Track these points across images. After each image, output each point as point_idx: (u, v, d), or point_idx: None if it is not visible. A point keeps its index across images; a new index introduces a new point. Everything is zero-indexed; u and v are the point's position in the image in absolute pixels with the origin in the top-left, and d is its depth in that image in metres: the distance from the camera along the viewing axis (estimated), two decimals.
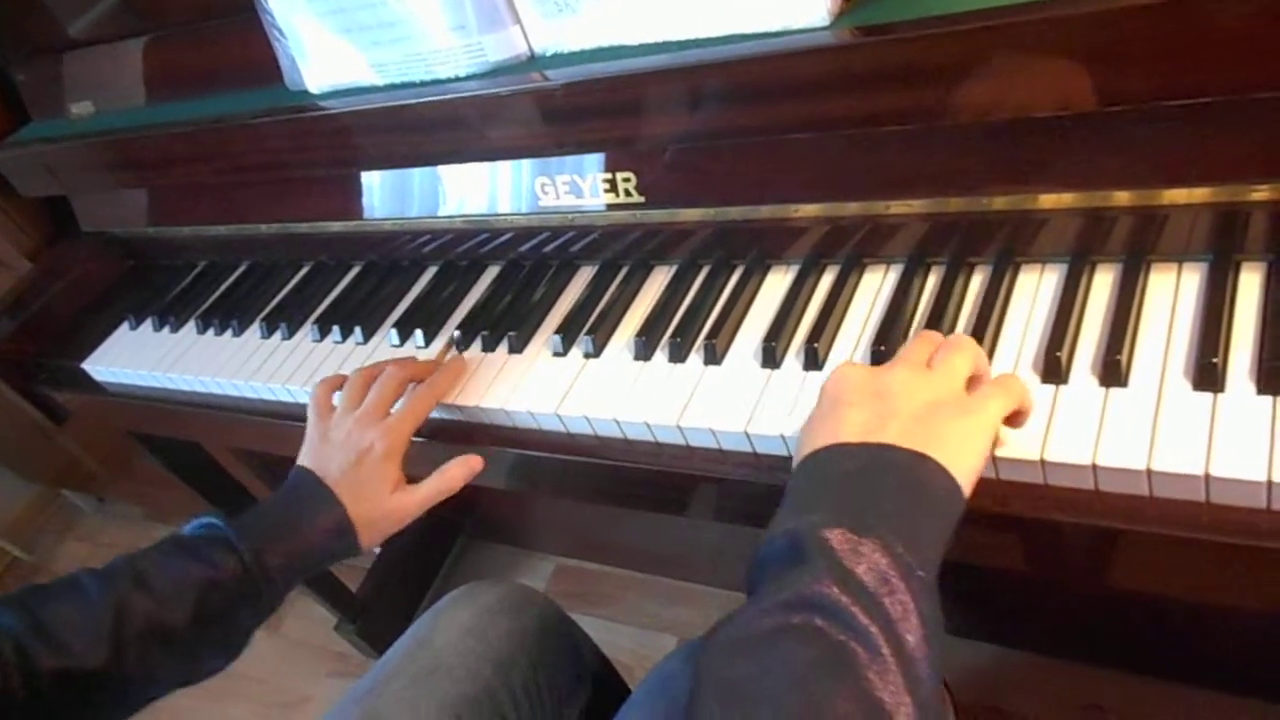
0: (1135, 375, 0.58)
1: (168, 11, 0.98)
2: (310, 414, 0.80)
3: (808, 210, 0.75)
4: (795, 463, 0.53)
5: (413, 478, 0.78)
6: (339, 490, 0.74)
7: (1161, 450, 0.53)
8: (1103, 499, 0.56)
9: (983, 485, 0.59)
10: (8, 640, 0.60)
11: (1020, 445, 0.57)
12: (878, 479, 0.48)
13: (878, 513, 0.46)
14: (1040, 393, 0.60)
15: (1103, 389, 0.58)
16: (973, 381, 0.56)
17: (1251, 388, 0.54)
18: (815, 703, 0.40)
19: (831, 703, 0.40)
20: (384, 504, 0.75)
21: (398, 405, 0.78)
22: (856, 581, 0.43)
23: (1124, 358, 0.58)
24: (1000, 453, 0.57)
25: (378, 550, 1.74)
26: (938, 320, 0.67)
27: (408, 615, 1.67)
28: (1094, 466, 0.55)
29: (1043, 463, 0.56)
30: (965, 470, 0.50)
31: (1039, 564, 0.67)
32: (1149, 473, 0.53)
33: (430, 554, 1.75)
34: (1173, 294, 0.62)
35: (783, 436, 0.65)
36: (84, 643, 0.62)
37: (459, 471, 0.78)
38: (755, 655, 0.43)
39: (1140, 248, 0.64)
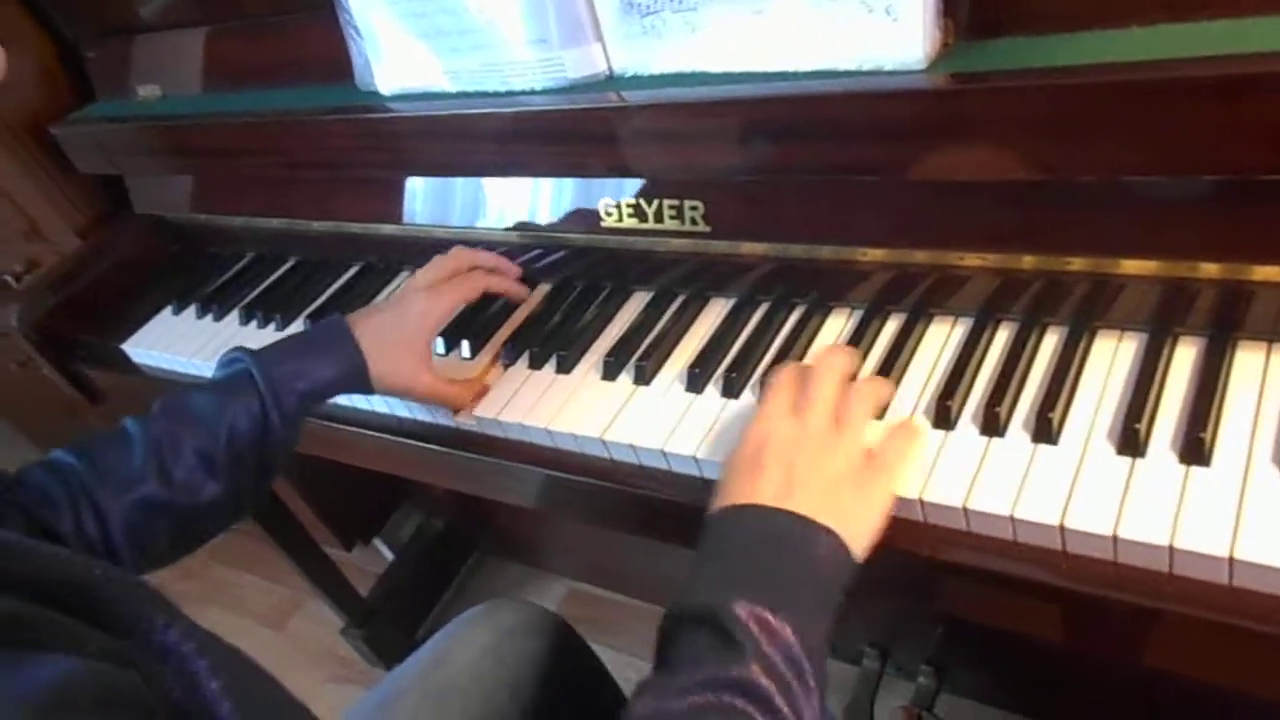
0: (1219, 455, 0.56)
1: (243, 2, 0.99)
2: None
3: (875, 254, 0.73)
4: (713, 507, 0.57)
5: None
6: (364, 335, 0.76)
7: (1245, 538, 0.51)
8: (1175, 583, 0.54)
9: (1047, 556, 0.57)
10: (76, 479, 0.67)
11: (1092, 519, 0.55)
12: (787, 553, 0.53)
13: (787, 594, 0.51)
14: (1115, 465, 0.58)
15: (1183, 466, 0.56)
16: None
17: None
18: None
19: None
20: (404, 364, 0.78)
21: None
22: (774, 666, 0.48)
23: (1208, 435, 0.56)
24: (1070, 524, 0.55)
25: (391, 556, 1.73)
26: (1007, 382, 0.65)
27: (415, 625, 1.65)
28: (1170, 548, 0.52)
29: (1115, 539, 0.54)
30: (860, 541, 0.55)
31: (1083, 640, 0.65)
32: (1231, 560, 0.51)
33: (443, 567, 1.73)
34: (1261, 373, 0.59)
35: None
36: (134, 472, 0.68)
37: (469, 393, 0.81)
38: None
39: (1227, 322, 0.62)
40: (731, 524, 0.55)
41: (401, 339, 0.78)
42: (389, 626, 1.59)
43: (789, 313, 0.79)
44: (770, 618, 0.49)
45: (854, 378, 0.65)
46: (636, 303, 0.86)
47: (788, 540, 0.53)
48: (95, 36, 1.13)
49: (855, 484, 0.57)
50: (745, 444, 0.59)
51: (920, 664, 1.22)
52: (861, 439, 0.59)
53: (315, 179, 1.00)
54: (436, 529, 1.72)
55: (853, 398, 0.61)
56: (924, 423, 0.65)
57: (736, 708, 0.46)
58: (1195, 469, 0.55)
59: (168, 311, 1.12)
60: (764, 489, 0.55)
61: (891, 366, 0.70)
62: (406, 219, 0.97)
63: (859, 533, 0.55)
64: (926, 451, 0.63)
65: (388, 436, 0.87)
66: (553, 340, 0.84)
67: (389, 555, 1.73)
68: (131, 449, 0.69)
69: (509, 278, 0.88)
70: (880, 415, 0.67)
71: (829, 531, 0.54)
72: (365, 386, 0.77)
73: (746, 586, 0.51)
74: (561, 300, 0.90)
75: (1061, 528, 0.56)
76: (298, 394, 0.73)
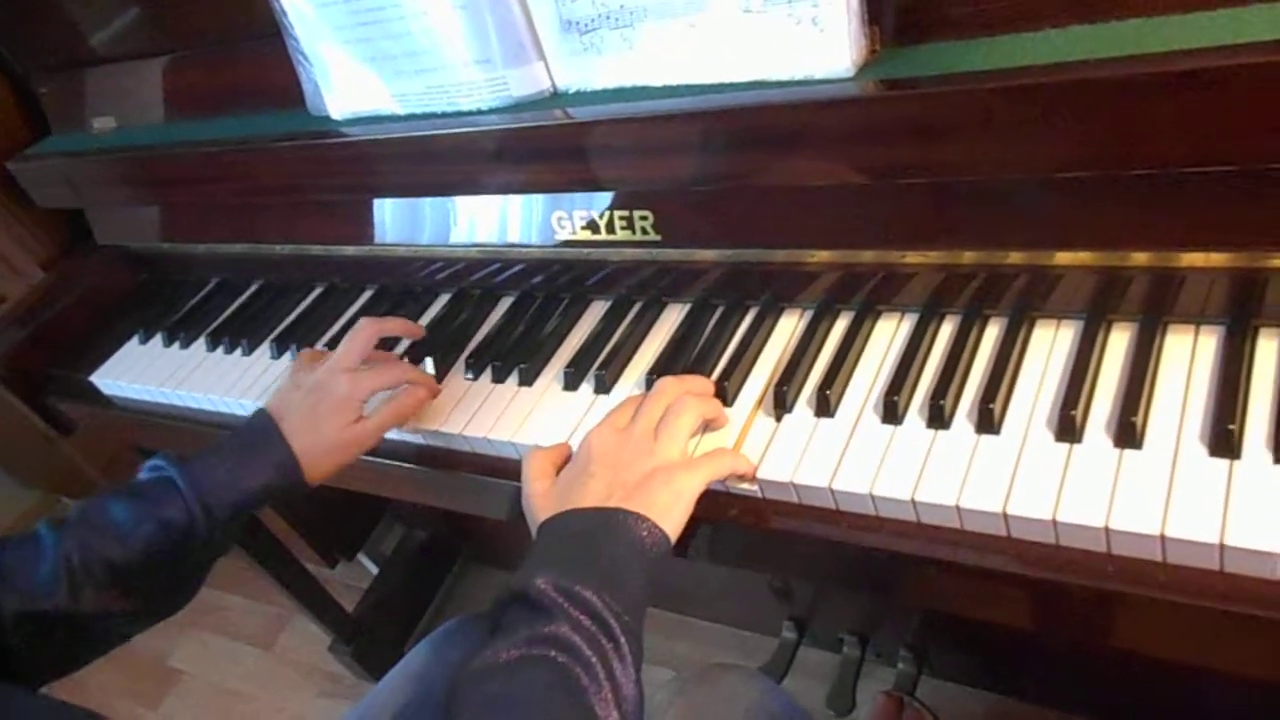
0: (1150, 437, 0.58)
1: (193, 32, 0.99)
2: (292, 367, 0.84)
3: (822, 256, 0.75)
4: (541, 519, 0.65)
5: None
6: (290, 429, 0.75)
7: (1176, 516, 0.53)
8: (1114, 562, 0.56)
9: (993, 543, 0.59)
10: None
11: (1032, 505, 0.57)
12: (600, 539, 0.61)
13: (596, 569, 0.59)
14: (1053, 451, 0.60)
15: (1117, 450, 0.58)
16: (710, 425, 0.71)
17: (1269, 456, 0.54)
18: (550, 714, 0.52)
19: (563, 715, 0.52)
20: (337, 437, 0.76)
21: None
22: (579, 624, 0.56)
23: (1139, 419, 0.58)
24: (1012, 510, 0.57)
25: (375, 570, 1.73)
26: (951, 375, 0.66)
27: (403, 638, 1.65)
28: (1107, 530, 0.54)
29: (1055, 523, 0.56)
30: (671, 524, 0.63)
31: (1042, 622, 0.67)
32: (1163, 538, 0.53)
33: (428, 577, 1.74)
34: (1189, 357, 0.62)
35: (792, 484, 0.65)
36: (40, 583, 0.65)
37: (410, 399, 0.79)
38: (502, 678, 0.54)
39: (1157, 308, 0.64)
40: (554, 525, 0.64)
41: (330, 429, 0.76)
42: (376, 641, 1.60)
43: (743, 315, 0.81)
44: (572, 586, 0.57)
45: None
46: (595, 312, 0.88)
47: (603, 528, 0.61)
48: (47, 70, 1.13)
49: (666, 480, 0.64)
50: (578, 456, 0.68)
51: (900, 649, 1.25)
52: (678, 445, 0.67)
53: (274, 204, 1.01)
54: (419, 540, 1.73)
55: (674, 412, 0.68)
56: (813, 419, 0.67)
57: (549, 658, 0.54)
58: (1129, 452, 0.58)
59: (134, 341, 1.12)
60: (591, 493, 0.64)
61: (841, 363, 0.71)
62: (366, 240, 0.98)
63: (669, 517, 0.63)
64: (874, 445, 0.65)
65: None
66: (514, 354, 0.86)
67: (373, 569, 1.74)
68: (42, 558, 0.67)
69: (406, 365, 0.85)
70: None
71: (639, 516, 0.62)
72: (301, 486, 0.75)
73: (552, 566, 0.59)
74: (522, 313, 0.91)
75: (1005, 514, 0.58)
76: (230, 505, 0.71)
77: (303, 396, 0.77)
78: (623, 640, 0.56)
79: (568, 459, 0.71)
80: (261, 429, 0.75)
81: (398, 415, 0.79)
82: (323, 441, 0.75)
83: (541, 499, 0.67)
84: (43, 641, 0.66)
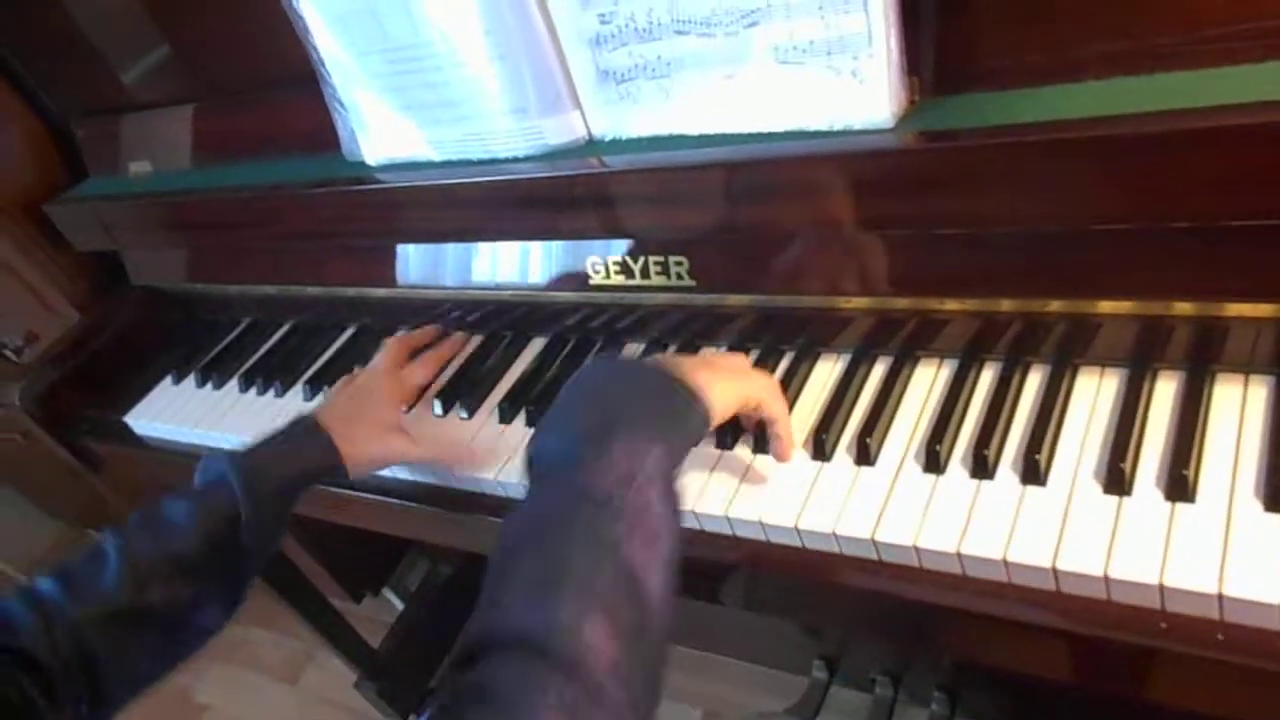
0: (1203, 491, 0.57)
1: (230, 79, 1.01)
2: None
3: (857, 302, 0.75)
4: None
5: None
6: (332, 423, 0.80)
7: (1233, 574, 0.52)
8: (1168, 619, 0.54)
9: (1040, 597, 0.58)
10: (52, 604, 0.66)
11: (1082, 560, 0.56)
12: (651, 395, 0.61)
13: (641, 422, 0.59)
14: (1103, 504, 0.59)
15: (1169, 503, 0.57)
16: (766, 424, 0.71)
17: None
18: (593, 564, 0.51)
19: (602, 570, 0.51)
20: (375, 437, 0.82)
21: None
22: (617, 475, 0.55)
23: (1191, 472, 0.57)
24: (1062, 565, 0.56)
25: (400, 606, 1.73)
26: (994, 423, 0.66)
27: (428, 675, 1.64)
28: (1161, 587, 0.53)
29: (1107, 579, 0.55)
30: (720, 405, 0.64)
31: (1089, 677, 0.65)
32: (1220, 597, 0.52)
33: (453, 613, 1.73)
34: (1239, 406, 0.61)
35: (834, 535, 0.64)
36: (110, 586, 0.68)
37: (460, 456, 0.84)
38: (546, 532, 0.54)
39: (1204, 357, 0.63)
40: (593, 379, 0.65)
41: (366, 418, 0.82)
42: (401, 678, 1.59)
43: (778, 359, 0.80)
44: (622, 443, 0.57)
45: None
46: (629, 356, 0.87)
47: (655, 387, 0.62)
48: (84, 114, 1.15)
49: (727, 374, 0.67)
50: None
51: (932, 690, 1.23)
52: (739, 371, 0.70)
53: (308, 248, 1.02)
54: (444, 576, 1.72)
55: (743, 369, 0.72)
56: (914, 468, 0.67)
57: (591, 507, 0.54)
58: (1181, 505, 0.57)
59: (168, 381, 1.13)
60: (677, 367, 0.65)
61: (881, 410, 0.71)
62: (398, 282, 0.98)
63: (720, 396, 0.64)
64: (916, 495, 0.64)
65: (379, 498, 0.89)
66: (547, 396, 0.86)
67: (398, 605, 1.73)
68: (106, 566, 0.69)
69: (445, 344, 0.96)
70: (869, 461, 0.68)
71: (697, 390, 0.62)
72: (340, 472, 0.79)
73: (596, 421, 0.59)
74: (554, 356, 0.91)
75: (1054, 570, 0.57)
76: (272, 487, 0.74)
77: (345, 397, 0.85)
78: (655, 497, 0.56)
79: None
80: (302, 422, 0.81)
81: (442, 456, 0.83)
82: (358, 430, 0.80)
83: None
84: (129, 644, 0.68)
